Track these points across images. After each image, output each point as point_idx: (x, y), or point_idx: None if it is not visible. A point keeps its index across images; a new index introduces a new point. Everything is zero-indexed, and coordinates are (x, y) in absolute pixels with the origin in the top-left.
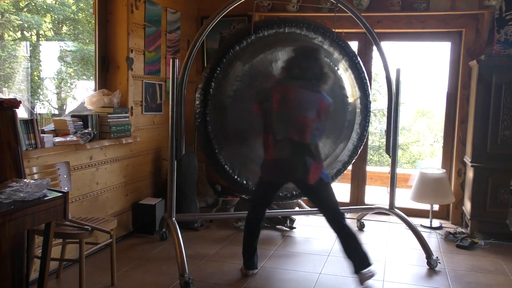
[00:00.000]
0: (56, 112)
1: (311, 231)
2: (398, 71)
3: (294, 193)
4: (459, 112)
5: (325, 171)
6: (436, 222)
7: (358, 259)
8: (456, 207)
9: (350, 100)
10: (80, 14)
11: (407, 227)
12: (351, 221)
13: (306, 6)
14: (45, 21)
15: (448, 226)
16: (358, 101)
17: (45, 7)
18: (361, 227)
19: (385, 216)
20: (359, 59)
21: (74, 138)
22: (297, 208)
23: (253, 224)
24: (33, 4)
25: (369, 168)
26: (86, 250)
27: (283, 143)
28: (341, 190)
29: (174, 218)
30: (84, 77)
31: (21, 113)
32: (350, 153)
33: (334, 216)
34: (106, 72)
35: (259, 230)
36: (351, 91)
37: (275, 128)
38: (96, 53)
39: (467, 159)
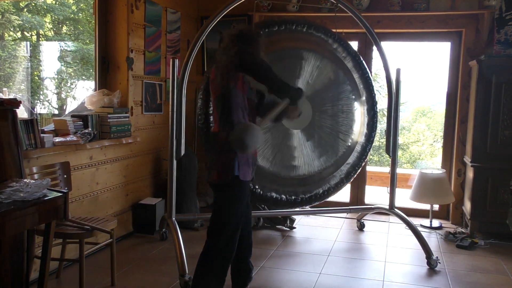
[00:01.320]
0: (56, 112)
1: (311, 231)
2: (398, 71)
3: (303, 197)
4: (459, 112)
5: (237, 168)
6: (436, 222)
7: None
8: (456, 207)
9: (356, 101)
10: (80, 14)
11: (407, 227)
12: (351, 221)
13: (306, 6)
14: (45, 21)
15: (448, 226)
16: (364, 101)
17: (45, 7)
18: (361, 227)
19: (385, 216)
20: (362, 58)
21: (74, 138)
22: (297, 208)
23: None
24: (33, 4)
25: (369, 168)
26: (86, 250)
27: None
28: (341, 190)
29: (174, 218)
30: (84, 77)
31: (21, 113)
32: (359, 154)
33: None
34: (106, 72)
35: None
36: (357, 92)
37: None
38: (96, 53)
39: (467, 159)
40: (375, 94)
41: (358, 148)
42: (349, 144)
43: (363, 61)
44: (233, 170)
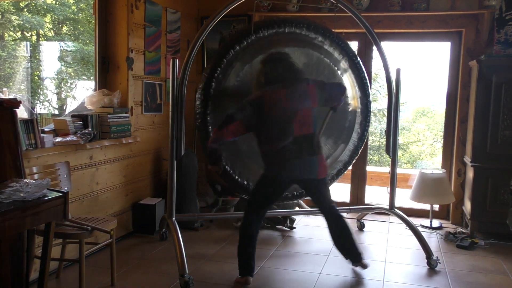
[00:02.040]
0: (56, 112)
1: (311, 231)
2: (398, 71)
3: (295, 193)
4: (459, 112)
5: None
6: (436, 222)
7: (353, 254)
8: (456, 207)
9: (351, 100)
10: (80, 14)
11: (407, 227)
12: (351, 221)
13: (306, 6)
14: (45, 21)
15: (448, 226)
16: (359, 101)
17: (45, 7)
18: (361, 227)
19: (385, 216)
20: (359, 59)
21: (74, 138)
22: (297, 208)
23: (250, 228)
24: (33, 4)
25: (369, 168)
26: (86, 250)
27: (291, 143)
28: (341, 190)
29: (174, 218)
30: (84, 77)
31: (21, 113)
32: (350, 153)
33: (333, 207)
34: (106, 72)
35: (256, 235)
36: (351, 91)
37: (278, 133)
38: (96, 53)
39: (467, 159)
40: (369, 94)
41: (350, 146)
42: (341, 142)
43: (359, 61)
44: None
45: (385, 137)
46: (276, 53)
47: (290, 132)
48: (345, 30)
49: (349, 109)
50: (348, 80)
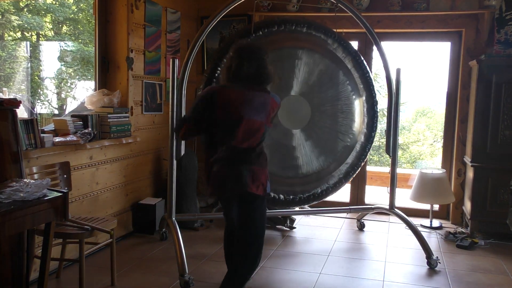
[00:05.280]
0: (56, 112)
1: (311, 231)
2: (398, 71)
3: (301, 196)
4: (459, 112)
5: (269, 184)
6: (436, 222)
7: None
8: (456, 207)
9: (356, 101)
10: (80, 14)
11: (407, 227)
12: (351, 221)
13: (306, 6)
14: (45, 22)
15: (448, 226)
16: (364, 101)
17: (45, 7)
18: (361, 227)
19: (385, 216)
20: (362, 58)
21: (74, 138)
22: (297, 208)
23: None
24: (33, 4)
25: (369, 168)
26: (86, 250)
27: (230, 152)
28: (341, 190)
29: (174, 218)
30: (84, 77)
31: (21, 113)
32: (358, 154)
33: (255, 247)
34: (106, 72)
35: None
36: (357, 92)
37: (222, 137)
38: (96, 53)
39: (467, 159)
40: (375, 94)
41: (357, 147)
42: (348, 144)
43: (364, 61)
44: (268, 185)
45: (385, 137)
46: (253, 47)
47: (231, 139)
48: (345, 30)
49: (355, 110)
50: (352, 80)
